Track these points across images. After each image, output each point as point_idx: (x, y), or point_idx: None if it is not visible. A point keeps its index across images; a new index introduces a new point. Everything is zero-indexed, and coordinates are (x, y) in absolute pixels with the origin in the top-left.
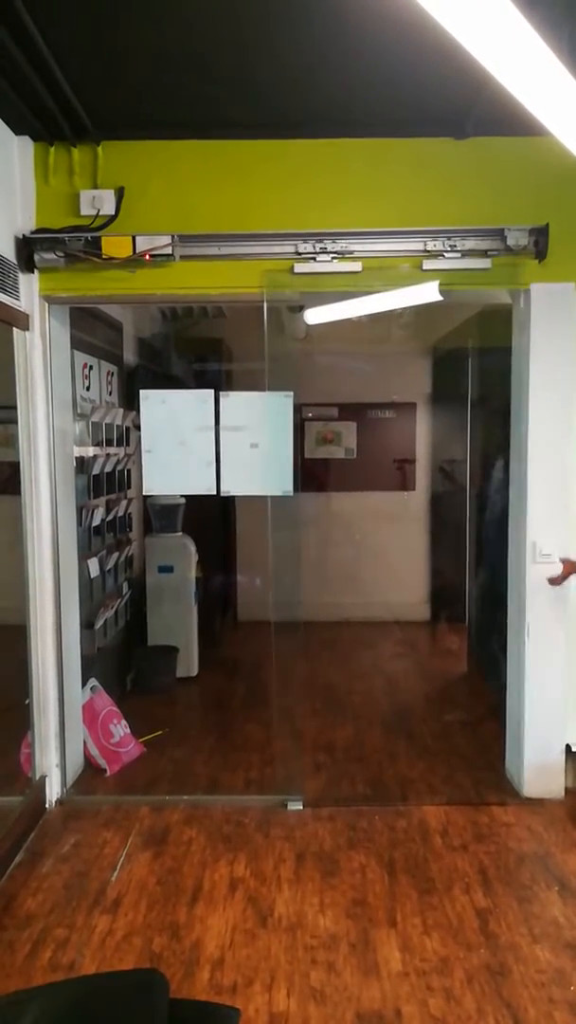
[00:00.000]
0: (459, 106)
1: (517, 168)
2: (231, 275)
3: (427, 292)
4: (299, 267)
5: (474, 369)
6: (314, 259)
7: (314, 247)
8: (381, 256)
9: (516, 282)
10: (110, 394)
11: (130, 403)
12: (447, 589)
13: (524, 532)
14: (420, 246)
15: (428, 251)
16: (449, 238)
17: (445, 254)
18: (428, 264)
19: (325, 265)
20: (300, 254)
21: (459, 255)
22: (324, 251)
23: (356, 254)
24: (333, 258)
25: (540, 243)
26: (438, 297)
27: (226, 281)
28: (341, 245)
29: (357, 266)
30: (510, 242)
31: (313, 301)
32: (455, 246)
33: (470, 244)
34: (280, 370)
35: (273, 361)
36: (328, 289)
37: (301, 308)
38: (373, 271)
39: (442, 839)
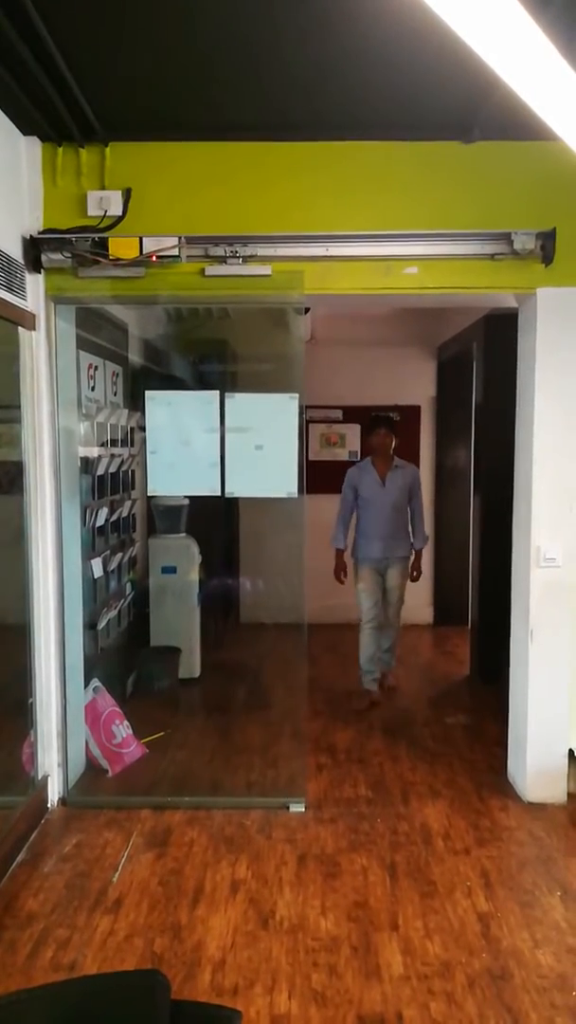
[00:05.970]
0: (467, 109)
1: (525, 172)
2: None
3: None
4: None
5: (479, 373)
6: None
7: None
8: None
9: (522, 286)
10: (115, 395)
11: (135, 404)
12: (450, 592)
13: (528, 537)
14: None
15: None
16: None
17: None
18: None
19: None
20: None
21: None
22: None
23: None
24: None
25: (547, 247)
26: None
27: None
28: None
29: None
30: (516, 246)
31: None
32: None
33: (475, 247)
34: (285, 371)
35: (278, 362)
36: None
37: (307, 310)
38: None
39: (444, 842)
